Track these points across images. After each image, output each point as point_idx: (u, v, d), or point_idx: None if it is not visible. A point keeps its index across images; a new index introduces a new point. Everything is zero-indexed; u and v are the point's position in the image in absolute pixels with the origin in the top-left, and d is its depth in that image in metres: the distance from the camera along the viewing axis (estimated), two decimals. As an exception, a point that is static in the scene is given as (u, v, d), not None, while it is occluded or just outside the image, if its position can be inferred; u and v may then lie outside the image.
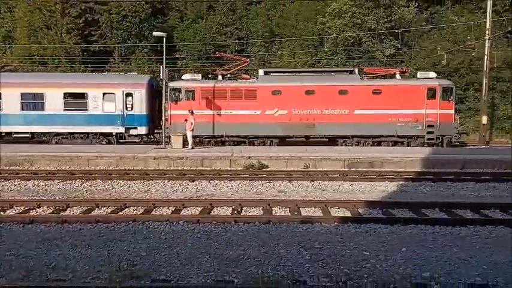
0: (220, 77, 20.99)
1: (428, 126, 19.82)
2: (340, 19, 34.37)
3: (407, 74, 21.90)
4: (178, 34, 38.07)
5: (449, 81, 21.94)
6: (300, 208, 8.87)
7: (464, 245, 6.44)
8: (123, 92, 20.32)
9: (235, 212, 8.70)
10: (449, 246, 6.37)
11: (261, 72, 21.00)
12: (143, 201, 9.38)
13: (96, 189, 11.26)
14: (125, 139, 20.90)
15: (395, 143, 20.06)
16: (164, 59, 18.90)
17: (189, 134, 18.08)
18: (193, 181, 12.06)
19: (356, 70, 21.17)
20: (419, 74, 20.88)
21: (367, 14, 34.21)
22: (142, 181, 12.08)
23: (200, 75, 21.68)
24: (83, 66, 34.86)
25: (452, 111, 20.18)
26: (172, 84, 20.55)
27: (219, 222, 7.67)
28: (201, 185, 11.72)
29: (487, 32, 24.08)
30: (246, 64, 24.21)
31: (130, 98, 20.49)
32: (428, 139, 19.87)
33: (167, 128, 20.08)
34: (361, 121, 19.79)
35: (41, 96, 20.46)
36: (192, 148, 17.74)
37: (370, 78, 21.39)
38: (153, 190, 11.15)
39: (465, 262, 5.64)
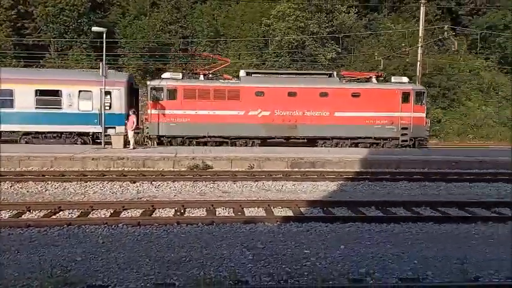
0: (202, 77, 20.53)
1: (403, 128, 20.57)
2: (284, 22, 35.01)
3: (382, 78, 22.68)
4: (120, 30, 36.84)
5: (422, 86, 22.95)
6: (244, 208, 8.90)
7: (397, 241, 6.79)
8: (100, 90, 18.95)
9: (178, 213, 8.55)
10: (384, 242, 6.69)
11: (242, 73, 20.83)
12: (79, 204, 8.95)
13: (28, 191, 10.58)
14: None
15: (371, 145, 20.67)
16: (104, 56, 18.17)
17: (130, 134, 17.54)
18: (134, 182, 11.69)
19: (335, 73, 21.61)
20: (393, 79, 21.69)
21: (310, 18, 35.16)
22: (79, 183, 11.52)
23: (180, 74, 21.05)
24: (14, 60, 32.65)
25: (424, 115, 21.15)
26: (154, 83, 20.02)
27: (160, 224, 7.50)
28: (143, 186, 11.40)
29: (419, 40, 25.63)
30: (228, 64, 24.05)
31: (108, 96, 19.43)
32: (403, 141, 20.63)
33: (147, 127, 19.53)
34: (341, 123, 20.18)
35: (9, 93, 18.89)
36: (134, 148, 17.22)
37: (348, 82, 21.96)
38: (91, 192, 10.68)
39: (398, 258, 5.95)
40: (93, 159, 14.27)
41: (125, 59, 35.36)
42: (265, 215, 8.52)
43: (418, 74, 25.06)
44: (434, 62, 34.61)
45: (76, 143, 19.39)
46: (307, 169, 14.56)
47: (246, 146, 20.03)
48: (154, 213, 8.56)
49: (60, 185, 11.27)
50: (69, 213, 8.41)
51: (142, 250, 6.13)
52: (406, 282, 4.78)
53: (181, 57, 37.88)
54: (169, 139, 19.74)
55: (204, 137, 19.81)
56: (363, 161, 15.31)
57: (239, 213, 8.59)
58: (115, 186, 11.32)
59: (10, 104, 18.95)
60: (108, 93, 19.37)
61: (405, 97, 20.59)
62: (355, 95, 20.42)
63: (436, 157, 16.20)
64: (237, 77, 21.27)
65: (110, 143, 18.23)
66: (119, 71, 26.85)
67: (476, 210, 9.13)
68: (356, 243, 6.61)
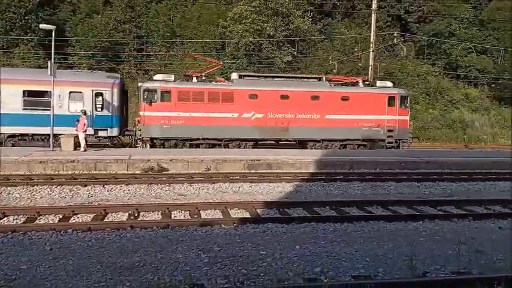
0: (194, 79, 20.48)
1: (389, 131, 21.35)
2: (241, 24, 35.09)
3: (367, 82, 23.44)
4: (70, 28, 35.43)
5: (405, 90, 23.79)
6: (200, 211, 8.81)
7: (350, 240, 6.97)
8: (92, 91, 18.93)
9: (132, 217, 8.32)
10: (338, 241, 6.84)
11: (235, 75, 21.04)
12: (25, 209, 8.49)
13: (-32, 197, 9.92)
14: (92, 141, 19.10)
15: (359, 146, 21.34)
16: (53, 54, 17.39)
17: (81, 136, 16.86)
18: (85, 186, 11.26)
19: (324, 77, 22.26)
20: (378, 83, 22.51)
21: (266, 21, 35.46)
22: (25, 187, 10.93)
23: (173, 76, 20.67)
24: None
25: (408, 118, 22.07)
26: (147, 84, 19.74)
27: (113, 229, 7.26)
28: (94, 190, 11.00)
29: (371, 45, 26.55)
30: (220, 67, 24.08)
31: (100, 97, 19.17)
32: (388, 142, 21.46)
33: (139, 130, 19.08)
34: (331, 125, 20.66)
35: None
36: (85, 151, 16.58)
37: (337, 85, 22.53)
38: (38, 197, 10.17)
39: (351, 256, 6.10)
40: (40, 162, 13.61)
41: (75, 58, 34.02)
42: (222, 217, 8.47)
43: (370, 78, 25.93)
44: (385, 66, 36.02)
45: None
46: (264, 170, 14.65)
47: (239, 148, 20.19)
48: (106, 218, 8.28)
49: (4, 189, 10.64)
50: (13, 220, 7.96)
51: (94, 256, 5.90)
52: (358, 280, 4.90)
53: (136, 56, 37.01)
54: (162, 141, 19.50)
55: (198, 139, 19.78)
56: (318, 162, 15.60)
57: (195, 216, 8.49)
58: (64, 190, 10.85)
59: None
60: (99, 94, 19.16)
61: (391, 101, 21.43)
62: (345, 99, 20.99)
63: (386, 158, 16.80)
64: (228, 79, 21.71)
65: (100, 146, 18.17)
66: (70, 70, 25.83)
67: (424, 208, 9.55)
68: (311, 243, 6.72)
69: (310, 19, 38.37)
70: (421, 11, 44.45)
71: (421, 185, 12.90)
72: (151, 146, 19.39)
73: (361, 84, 22.19)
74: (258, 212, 8.94)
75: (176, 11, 39.79)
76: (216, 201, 9.88)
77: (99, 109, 19.27)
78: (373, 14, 26.71)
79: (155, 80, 20.08)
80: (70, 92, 18.95)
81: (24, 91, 18.56)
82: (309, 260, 5.89)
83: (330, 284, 4.63)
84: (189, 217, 8.47)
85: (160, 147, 19.24)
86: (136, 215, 8.45)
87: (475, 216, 8.66)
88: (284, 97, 20.38)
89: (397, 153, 19.21)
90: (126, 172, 13.74)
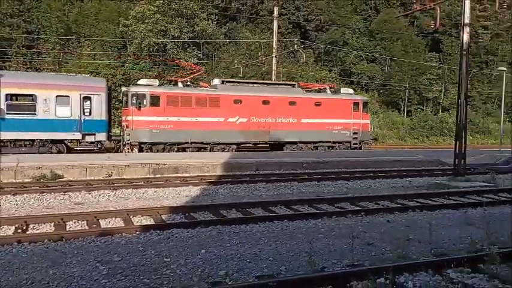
0: (180, 84, 21.14)
1: (354, 133, 23.74)
2: (144, 24, 33.99)
3: (333, 89, 25.66)
4: None
5: (367, 97, 26.16)
6: (100, 220, 8.29)
7: (255, 240, 7.10)
8: (80, 95, 18.62)
9: (19, 230, 7.52)
10: (243, 243, 6.92)
11: (217, 81, 22.01)
12: None
13: None
14: (78, 146, 19.24)
15: (329, 148, 23.44)
16: None
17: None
18: (-38, 198, 9.93)
19: (296, 84, 24.24)
20: (342, 90, 24.91)
21: (170, 22, 34.82)
22: None
23: (157, 81, 20.74)
24: None
25: (369, 121, 24.13)
26: (136, 89, 19.86)
27: (-4, 245, 6.49)
28: (-26, 202, 9.75)
29: (274, 51, 27.52)
30: (202, 73, 25.36)
31: (88, 101, 18.86)
32: (354, 143, 23.72)
33: (128, 134, 18.51)
34: (306, 129, 22.70)
35: None
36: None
37: (308, 91, 24.38)
38: None
39: (255, 256, 6.22)
40: None
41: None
42: (123, 225, 8.06)
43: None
44: (288, 71, 37.62)
45: (51, 151, 18.30)
46: (170, 175, 14.32)
47: (223, 151, 20.89)
48: (-12, 233, 7.38)
49: None
50: None
51: (-29, 278, 5.21)
52: (261, 280, 5.00)
53: (26, 53, 33.80)
54: (150, 146, 19.63)
55: (187, 143, 20.30)
56: (225, 165, 15.72)
57: (94, 226, 7.96)
58: None
59: None
60: (87, 98, 18.86)
61: (355, 106, 23.90)
62: (318, 104, 23.10)
63: (289, 159, 17.53)
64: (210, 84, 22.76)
65: (84, 151, 17.63)
66: None
67: (322, 206, 10.13)
68: (217, 246, 6.70)
69: (215, 22, 38.59)
70: (318, 20, 47.32)
71: (321, 184, 13.67)
72: (140, 151, 19.09)
73: (328, 91, 24.34)
74: (163, 217, 8.69)
75: (72, 6, 37.20)
76: (118, 208, 9.38)
77: (87, 113, 18.87)
78: (274, 21, 27.72)
79: (141, 85, 20.26)
80: (57, 96, 18.44)
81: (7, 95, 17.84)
82: (214, 263, 5.86)
83: (233, 286, 4.66)
84: (86, 227, 7.91)
85: (147, 152, 19.41)
86: (24, 228, 7.66)
87: (367, 212, 9.40)
88: (265, 102, 21.98)
89: (300, 155, 20.14)
90: (13, 181, 12.44)
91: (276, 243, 6.92)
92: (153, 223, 8.29)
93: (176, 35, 34.64)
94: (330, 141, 23.53)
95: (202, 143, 20.69)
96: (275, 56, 27.30)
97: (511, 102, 42.73)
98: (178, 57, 34.95)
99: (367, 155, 20.94)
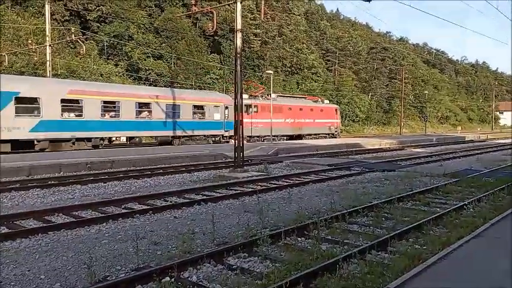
0: (246, 96, 29.65)
1: (336, 128, 40.77)
2: None
3: (321, 100, 41.80)
4: None
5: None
6: None
7: (26, 257, 6.06)
8: (223, 105, 29.56)
9: None
10: (11, 262, 5.81)
11: (274, 95, 32.43)
12: None
13: None
14: (224, 138, 30.09)
15: (324, 136, 38.67)
16: None
17: None
18: None
19: (306, 97, 41.50)
20: (325, 101, 42.24)
21: None
22: None
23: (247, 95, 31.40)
24: None
25: (340, 121, 43.67)
26: (245, 101, 26.88)
27: None
28: None
29: (47, 39, 24.48)
30: (264, 90, 36.55)
31: (227, 110, 29.20)
32: (336, 134, 40.18)
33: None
34: (317, 126, 38.40)
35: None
36: None
37: (314, 102, 40.21)
38: None
39: (23, 276, 5.29)
40: None
41: None
42: None
43: (48, 75, 23.90)
44: (67, 63, 34.19)
45: (209, 142, 28.53)
46: None
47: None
48: None
49: None
50: None
51: None
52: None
53: None
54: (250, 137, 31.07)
55: (268, 135, 30.43)
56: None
57: None
58: None
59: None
60: (226, 108, 29.28)
61: (335, 112, 41.35)
62: (322, 110, 39.12)
63: (68, 160, 15.93)
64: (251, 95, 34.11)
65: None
66: None
67: (109, 209, 9.49)
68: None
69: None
70: (100, 10, 44.67)
71: (107, 185, 12.86)
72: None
73: (321, 102, 40.48)
74: None
75: None
76: None
77: (226, 117, 29.04)
78: (46, 5, 24.60)
79: (249, 98, 31.53)
80: (214, 106, 29.39)
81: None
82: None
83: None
84: None
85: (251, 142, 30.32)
86: None
87: (155, 210, 9.26)
88: (301, 109, 36.41)
89: (86, 154, 18.50)
90: None
91: (50, 258, 6.07)
92: None
93: None
94: (326, 133, 39.27)
95: (276, 135, 32.42)
96: (49, 45, 24.28)
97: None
98: None
99: (155, 152, 20.88)
